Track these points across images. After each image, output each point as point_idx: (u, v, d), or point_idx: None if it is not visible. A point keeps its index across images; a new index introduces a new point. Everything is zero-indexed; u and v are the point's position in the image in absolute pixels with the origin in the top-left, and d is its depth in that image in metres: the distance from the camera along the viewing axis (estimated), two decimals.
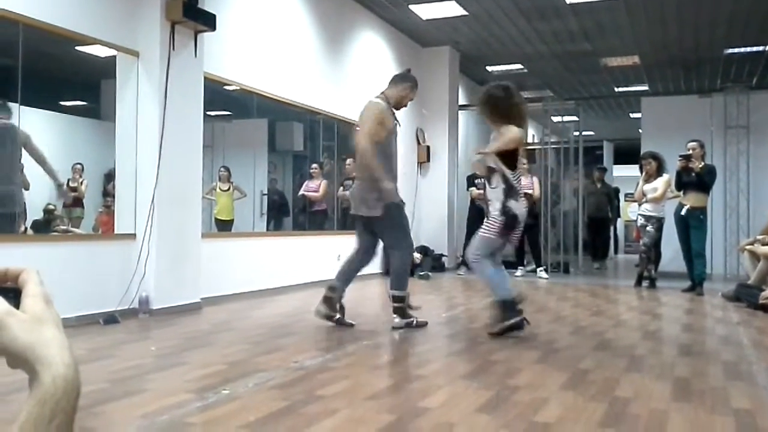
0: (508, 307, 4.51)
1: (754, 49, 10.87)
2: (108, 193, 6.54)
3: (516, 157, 4.57)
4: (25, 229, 6.63)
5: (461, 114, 11.90)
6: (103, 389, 3.00)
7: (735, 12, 9.11)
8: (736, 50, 10.98)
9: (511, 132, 4.52)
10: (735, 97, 10.38)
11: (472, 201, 10.07)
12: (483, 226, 4.64)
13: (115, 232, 5.58)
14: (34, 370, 0.58)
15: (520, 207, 4.56)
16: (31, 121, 6.65)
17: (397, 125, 5.00)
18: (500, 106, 4.61)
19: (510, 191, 4.49)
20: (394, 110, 4.94)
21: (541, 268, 9.71)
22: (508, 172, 4.51)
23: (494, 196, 4.57)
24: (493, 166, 4.54)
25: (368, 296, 6.76)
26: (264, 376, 3.30)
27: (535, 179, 9.70)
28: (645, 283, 8.17)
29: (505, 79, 5.34)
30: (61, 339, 0.61)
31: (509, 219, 4.49)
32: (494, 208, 4.56)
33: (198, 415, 2.66)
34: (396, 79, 5.06)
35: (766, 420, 2.72)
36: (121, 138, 5.60)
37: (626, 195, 16.60)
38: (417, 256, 9.63)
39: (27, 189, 7.00)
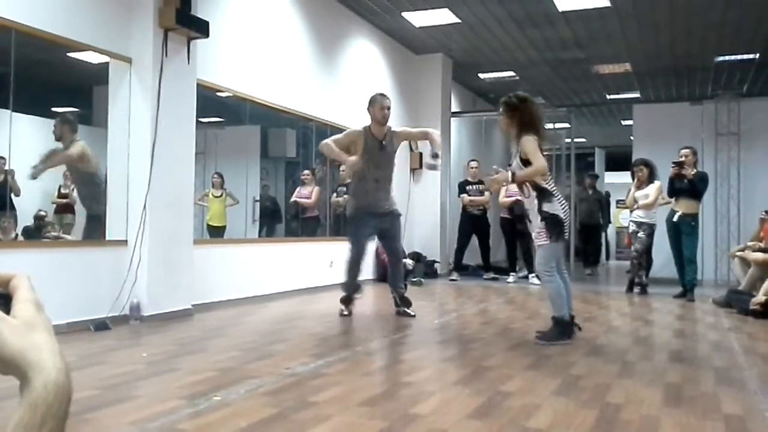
0: (560, 325, 4.61)
1: (745, 56, 10.95)
2: None
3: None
4: (16, 235, 6.60)
5: (453, 121, 11.92)
6: (94, 396, 2.99)
7: (726, 20, 9.18)
8: (727, 58, 11.06)
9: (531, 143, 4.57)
10: (726, 104, 10.45)
11: (464, 207, 10.08)
12: (535, 238, 4.65)
13: (107, 238, 5.55)
14: (25, 376, 0.58)
15: (554, 206, 4.56)
16: (23, 127, 6.63)
17: (378, 147, 5.65)
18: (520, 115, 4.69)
19: (542, 195, 4.54)
20: (379, 130, 5.68)
21: (533, 275, 9.72)
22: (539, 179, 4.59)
23: (531, 205, 4.61)
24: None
25: (360, 302, 6.74)
26: (255, 382, 3.29)
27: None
28: (636, 289, 8.20)
29: (497, 86, 5.39)
30: (53, 344, 0.61)
31: (550, 221, 4.51)
32: (534, 218, 4.59)
33: (189, 422, 2.65)
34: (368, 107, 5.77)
35: (756, 426, 2.73)
36: (113, 144, 5.58)
37: (617, 202, 16.67)
38: (409, 262, 9.64)
39: (18, 195, 6.96)
